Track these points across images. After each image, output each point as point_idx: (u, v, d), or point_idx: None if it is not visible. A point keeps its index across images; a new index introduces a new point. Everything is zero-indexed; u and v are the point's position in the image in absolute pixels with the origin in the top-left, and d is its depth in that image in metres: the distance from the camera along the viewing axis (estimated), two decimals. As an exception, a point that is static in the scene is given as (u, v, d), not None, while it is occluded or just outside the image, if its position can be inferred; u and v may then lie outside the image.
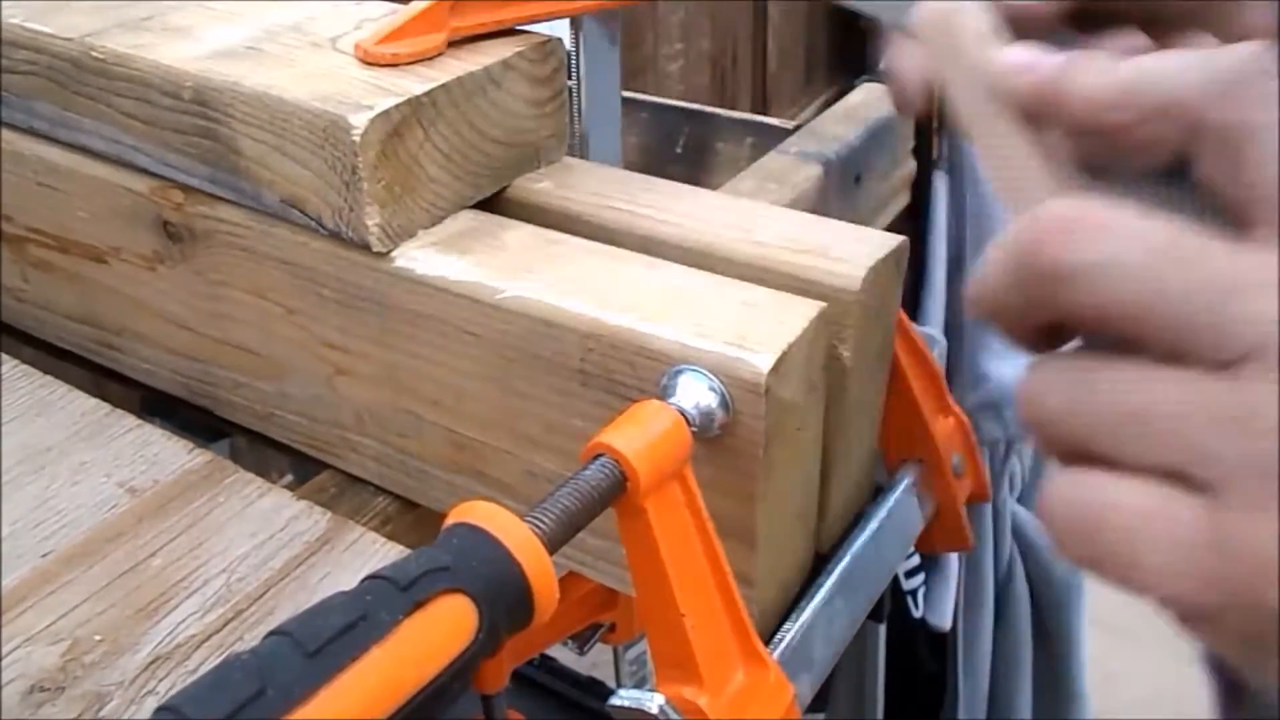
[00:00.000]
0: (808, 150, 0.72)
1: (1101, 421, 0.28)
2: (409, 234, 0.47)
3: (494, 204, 0.51)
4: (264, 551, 0.46)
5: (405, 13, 0.49)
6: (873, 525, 0.51)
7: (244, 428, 0.58)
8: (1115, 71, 0.31)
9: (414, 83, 0.47)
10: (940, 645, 1.06)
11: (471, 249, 0.47)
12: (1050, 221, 0.28)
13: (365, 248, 0.47)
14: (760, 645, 0.38)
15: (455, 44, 0.50)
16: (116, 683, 0.40)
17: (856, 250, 0.45)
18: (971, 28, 0.36)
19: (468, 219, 0.49)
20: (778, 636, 0.45)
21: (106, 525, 0.47)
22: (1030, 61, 0.33)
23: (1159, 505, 0.27)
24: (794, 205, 0.65)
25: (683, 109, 0.88)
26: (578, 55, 0.56)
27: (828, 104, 0.84)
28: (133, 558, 0.46)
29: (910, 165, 0.86)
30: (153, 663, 0.41)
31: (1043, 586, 1.06)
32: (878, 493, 0.53)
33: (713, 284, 0.44)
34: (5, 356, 0.58)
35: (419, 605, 0.28)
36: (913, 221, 0.89)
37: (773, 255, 0.45)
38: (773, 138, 0.81)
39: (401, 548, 0.47)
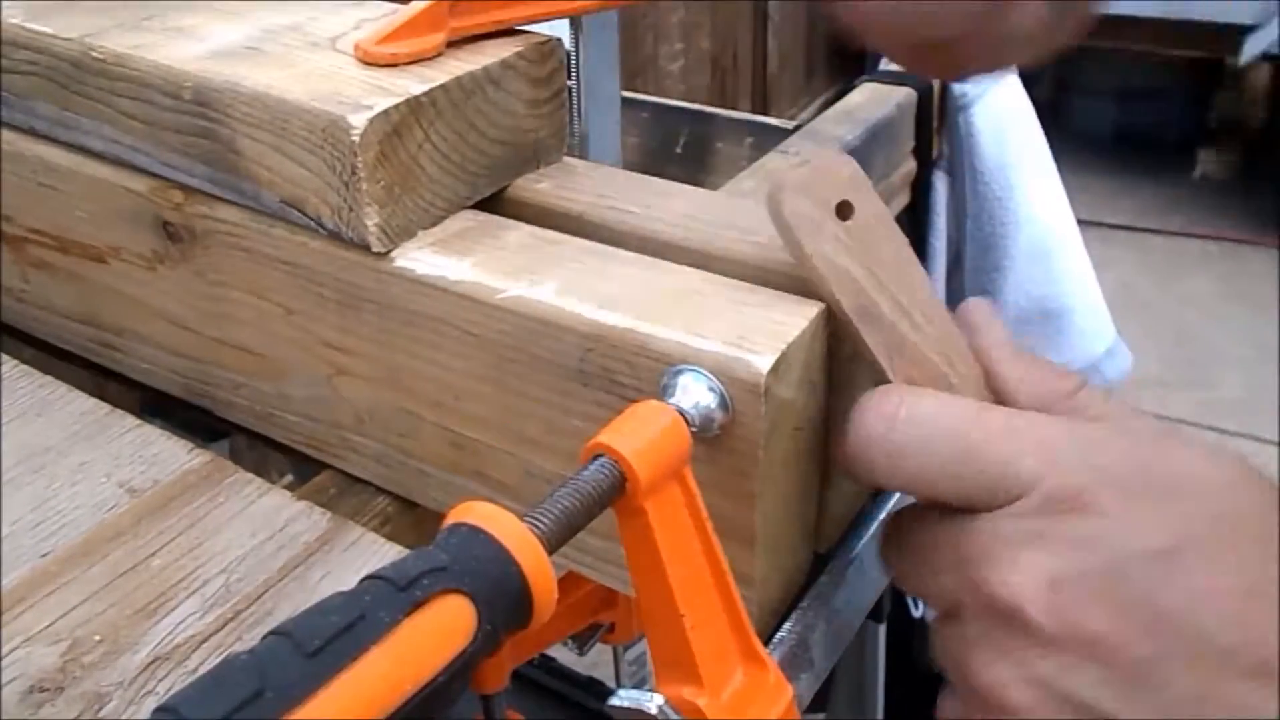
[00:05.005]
0: (807, 150, 0.72)
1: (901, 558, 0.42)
2: (408, 234, 0.47)
3: (493, 204, 0.51)
4: (263, 552, 0.46)
5: (405, 13, 0.49)
6: (873, 525, 0.51)
7: (244, 428, 0.58)
8: None
9: (413, 83, 0.47)
10: (940, 645, 1.06)
11: (471, 249, 0.47)
12: (854, 413, 0.39)
13: (365, 248, 0.47)
14: (759, 646, 0.38)
15: (454, 44, 0.50)
16: (115, 683, 0.40)
17: (856, 250, 0.45)
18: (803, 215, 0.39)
19: (467, 219, 0.49)
20: (777, 637, 0.45)
21: (106, 525, 0.47)
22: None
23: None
24: (794, 205, 0.65)
25: (683, 109, 0.88)
26: (578, 55, 0.56)
27: (828, 104, 0.84)
28: (132, 558, 0.46)
29: (910, 165, 0.86)
30: (152, 663, 0.41)
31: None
32: (878, 493, 0.53)
33: (712, 284, 0.44)
34: (5, 356, 0.58)
35: (418, 605, 0.28)
36: (913, 221, 0.89)
37: (772, 255, 0.45)
38: (773, 138, 0.81)
39: (401, 548, 0.47)
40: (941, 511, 0.39)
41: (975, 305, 0.43)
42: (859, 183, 0.41)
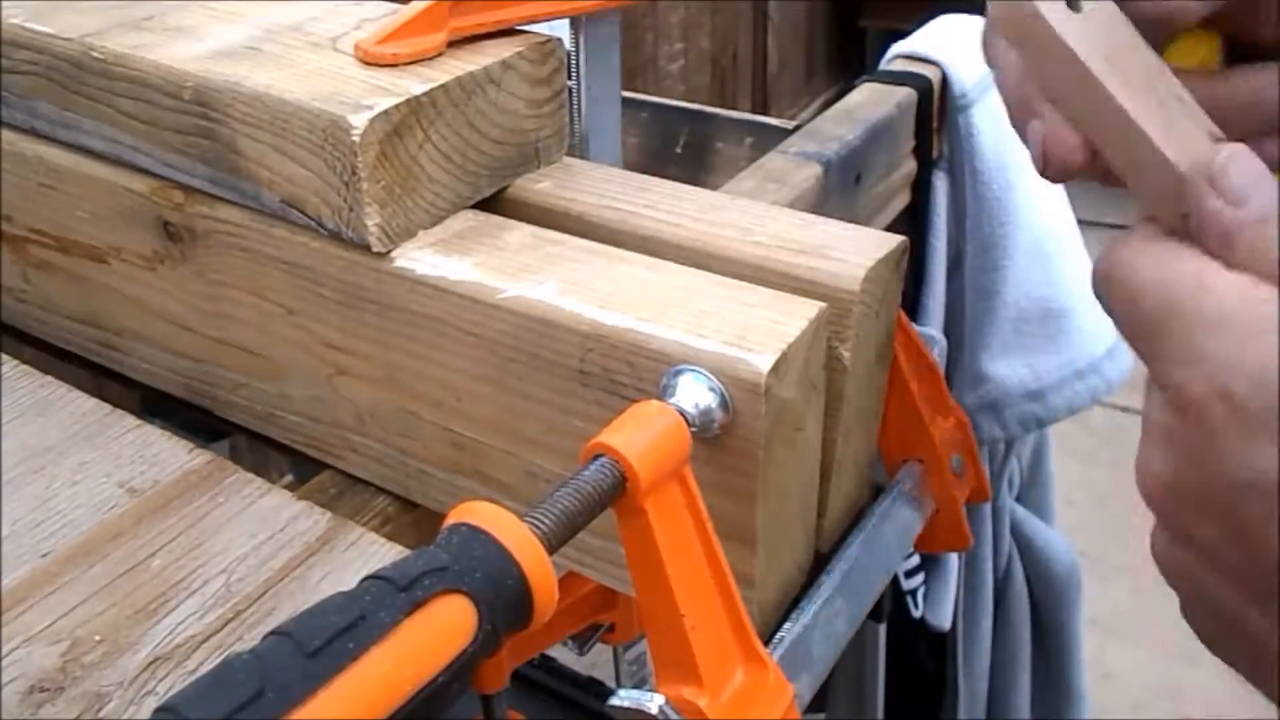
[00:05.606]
0: (808, 150, 0.72)
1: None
2: (409, 234, 0.47)
3: (494, 204, 0.51)
4: (264, 552, 0.46)
5: (405, 13, 0.49)
6: (872, 525, 0.51)
7: (244, 428, 0.58)
8: None
9: (414, 83, 0.47)
10: (940, 645, 1.06)
11: (472, 249, 0.47)
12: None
13: (365, 248, 0.47)
14: (760, 645, 0.38)
15: (455, 44, 0.50)
16: (116, 683, 0.40)
17: (856, 250, 0.45)
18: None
19: (468, 219, 0.49)
20: (777, 636, 0.45)
21: (106, 525, 0.47)
22: None
23: None
24: (794, 205, 0.65)
25: (683, 109, 0.88)
26: (578, 55, 0.56)
27: (828, 104, 0.84)
28: (132, 558, 0.46)
29: (910, 165, 0.86)
30: (152, 663, 0.41)
31: (1041, 586, 1.06)
32: (878, 493, 0.53)
33: (713, 284, 0.44)
34: (6, 357, 0.58)
35: (418, 605, 0.28)
36: (913, 221, 0.89)
37: (772, 255, 0.45)
38: (773, 138, 0.81)
39: (401, 548, 0.47)
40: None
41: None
42: None
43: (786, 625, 0.46)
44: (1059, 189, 0.93)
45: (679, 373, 0.40)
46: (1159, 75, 0.36)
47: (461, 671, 0.29)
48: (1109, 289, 0.35)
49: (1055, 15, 0.35)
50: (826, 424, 0.45)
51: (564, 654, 0.64)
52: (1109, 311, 0.35)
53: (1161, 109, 0.35)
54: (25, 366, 0.57)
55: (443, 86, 0.47)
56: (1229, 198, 0.33)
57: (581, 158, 0.57)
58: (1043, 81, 0.36)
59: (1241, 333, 0.32)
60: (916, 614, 1.02)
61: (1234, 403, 0.31)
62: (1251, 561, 0.32)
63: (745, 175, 0.70)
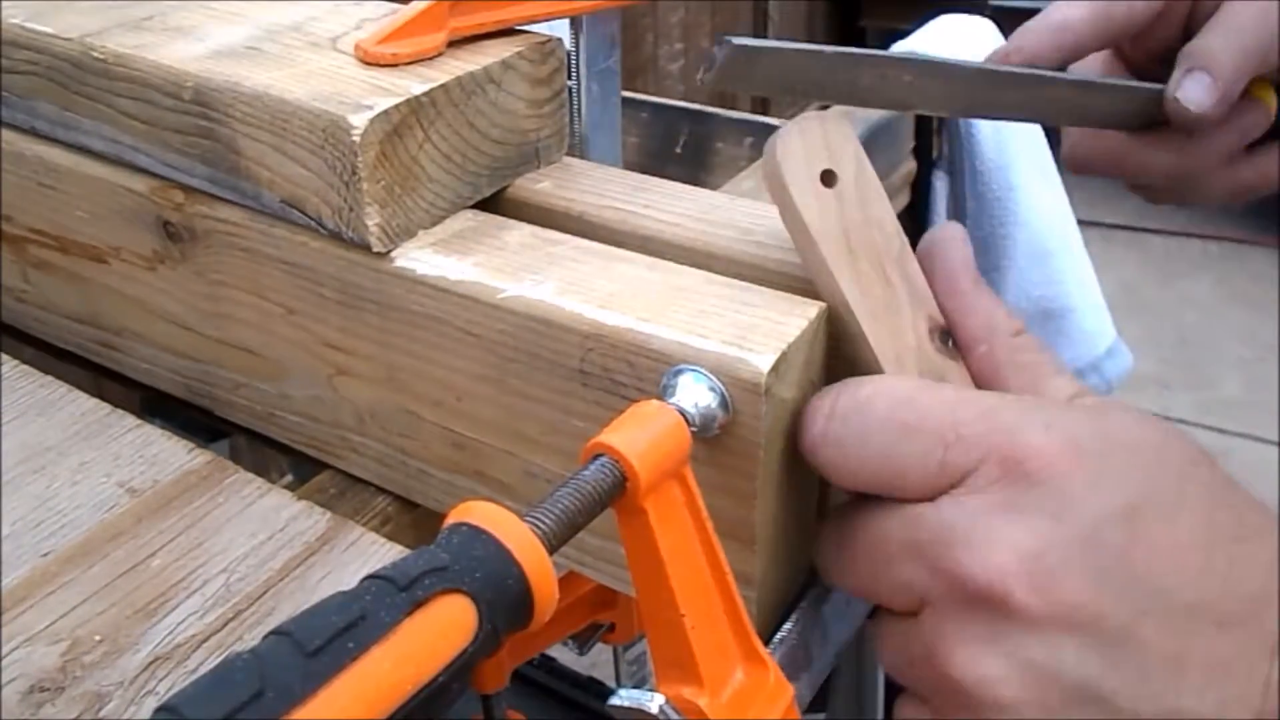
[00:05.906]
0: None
1: (842, 555, 0.40)
2: (409, 234, 0.47)
3: (494, 204, 0.51)
4: (264, 551, 0.46)
5: (405, 13, 0.49)
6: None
7: (244, 428, 0.58)
8: None
9: (414, 83, 0.47)
10: (940, 645, 1.06)
11: (472, 249, 0.47)
12: (806, 413, 0.39)
13: (365, 248, 0.47)
14: (760, 645, 0.38)
15: (455, 44, 0.50)
16: (116, 683, 0.40)
17: (856, 250, 0.45)
18: (795, 175, 0.40)
19: (468, 219, 0.49)
20: (777, 636, 0.45)
21: (106, 525, 0.47)
22: None
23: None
24: (794, 205, 0.65)
25: (683, 109, 0.88)
26: (578, 55, 0.56)
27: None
28: (132, 558, 0.46)
29: (910, 165, 0.86)
30: (152, 663, 0.41)
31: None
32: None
33: (713, 284, 0.44)
34: (5, 356, 0.58)
35: (418, 605, 0.28)
36: (913, 221, 0.89)
37: (773, 255, 0.45)
38: (773, 138, 0.81)
39: (401, 548, 0.47)
40: (889, 501, 0.38)
41: (941, 234, 0.42)
42: (846, 146, 0.42)
43: (786, 625, 0.46)
44: (1059, 189, 0.93)
45: (679, 372, 0.40)
46: (893, 259, 0.41)
47: (461, 671, 0.29)
48: (872, 408, 0.37)
49: (801, 194, 0.40)
50: (826, 424, 0.45)
51: (564, 654, 0.64)
52: (863, 433, 0.37)
53: (884, 294, 0.40)
54: (25, 366, 0.57)
55: (443, 86, 0.47)
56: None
57: (581, 158, 0.57)
58: (792, 238, 0.41)
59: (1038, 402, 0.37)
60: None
61: (1080, 448, 0.34)
62: (1129, 584, 0.33)
63: (745, 175, 0.70)
